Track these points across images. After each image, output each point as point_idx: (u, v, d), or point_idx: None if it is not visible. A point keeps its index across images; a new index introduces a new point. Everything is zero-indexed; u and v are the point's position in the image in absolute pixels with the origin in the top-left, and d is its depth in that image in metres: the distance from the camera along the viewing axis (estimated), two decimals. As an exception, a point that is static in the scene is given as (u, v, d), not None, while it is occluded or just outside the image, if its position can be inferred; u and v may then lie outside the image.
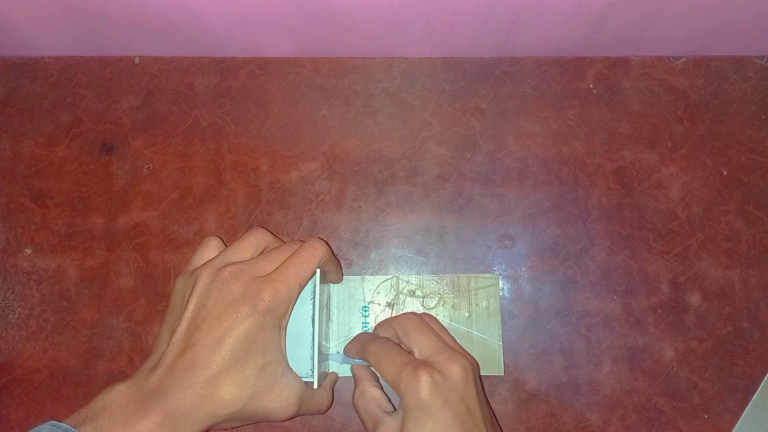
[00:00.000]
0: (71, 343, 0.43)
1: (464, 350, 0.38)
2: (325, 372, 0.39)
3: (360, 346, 0.38)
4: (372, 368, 0.39)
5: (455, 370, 0.34)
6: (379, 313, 0.43)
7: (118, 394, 0.31)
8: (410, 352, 0.36)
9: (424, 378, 0.33)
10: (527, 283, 0.44)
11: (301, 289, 0.36)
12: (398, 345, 0.37)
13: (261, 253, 0.37)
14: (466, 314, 0.43)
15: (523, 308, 0.43)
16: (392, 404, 0.37)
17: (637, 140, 0.46)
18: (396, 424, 0.34)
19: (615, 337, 0.43)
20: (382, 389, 0.38)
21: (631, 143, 0.46)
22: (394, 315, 0.43)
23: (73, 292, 0.44)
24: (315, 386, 0.36)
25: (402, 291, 0.43)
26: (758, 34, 0.44)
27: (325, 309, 0.39)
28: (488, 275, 0.44)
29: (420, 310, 0.43)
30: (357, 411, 0.37)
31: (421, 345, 0.36)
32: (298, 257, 0.36)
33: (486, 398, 0.38)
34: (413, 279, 0.44)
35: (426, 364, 0.34)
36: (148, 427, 0.30)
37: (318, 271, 0.37)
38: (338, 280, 0.43)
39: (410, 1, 0.40)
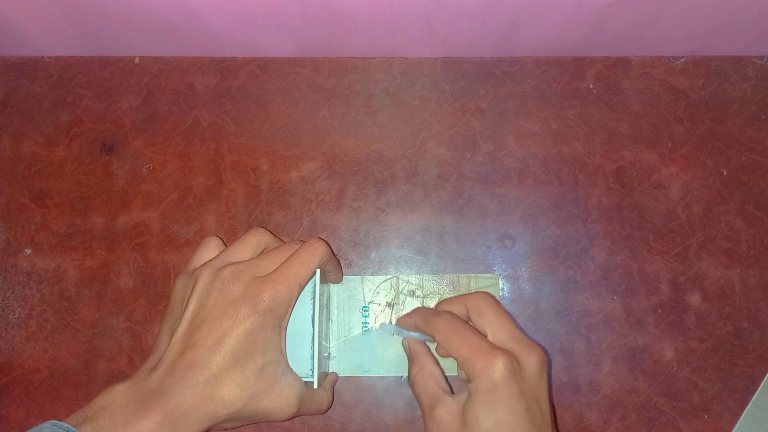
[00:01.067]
0: (71, 343, 0.43)
1: (539, 345, 0.36)
2: (325, 372, 0.39)
3: (422, 320, 0.37)
4: (428, 345, 0.37)
5: (533, 362, 0.33)
6: (379, 313, 0.43)
7: (119, 394, 0.31)
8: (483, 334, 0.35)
9: (503, 363, 0.32)
10: (527, 283, 0.44)
11: (302, 289, 0.36)
12: (467, 323, 0.36)
13: (261, 253, 0.37)
14: (466, 314, 0.43)
15: (523, 308, 0.43)
16: (449, 385, 0.36)
17: (637, 140, 0.46)
18: (457, 406, 0.33)
19: (615, 337, 0.43)
20: (441, 368, 0.37)
21: (631, 143, 0.46)
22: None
23: (73, 292, 0.44)
24: (315, 386, 0.36)
25: (402, 291, 0.43)
26: (758, 34, 0.44)
27: (325, 309, 0.40)
28: (488, 275, 0.44)
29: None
30: (413, 387, 0.36)
31: (497, 329, 0.35)
32: (298, 257, 0.36)
33: (551, 394, 0.37)
34: (413, 279, 0.44)
35: (504, 350, 0.33)
36: (149, 427, 0.30)
37: (318, 271, 0.37)
38: (338, 280, 0.43)
39: (410, 1, 0.40)
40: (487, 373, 0.32)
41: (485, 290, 0.41)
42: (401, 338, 0.39)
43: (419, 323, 0.37)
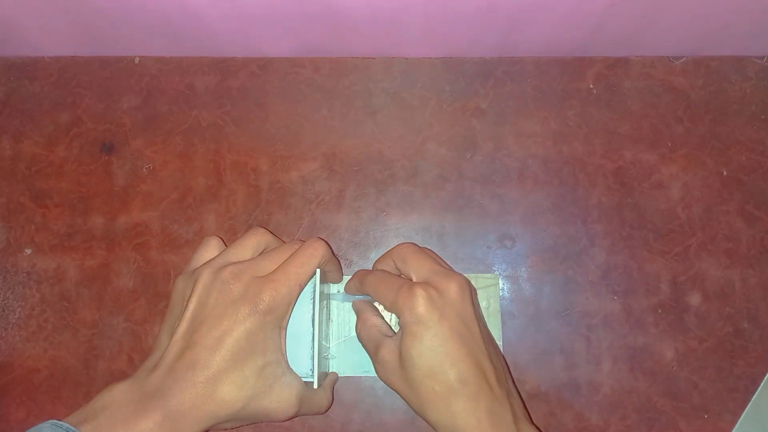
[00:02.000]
0: (71, 343, 0.43)
1: (461, 274, 0.38)
2: (325, 372, 0.39)
3: (357, 281, 0.39)
4: (374, 303, 0.40)
5: (451, 287, 0.35)
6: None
7: (119, 393, 0.31)
8: (409, 279, 0.37)
9: (420, 293, 0.34)
10: (527, 283, 0.44)
11: (302, 289, 0.36)
12: (393, 273, 0.38)
13: (261, 253, 0.37)
14: (466, 314, 0.43)
15: (523, 308, 0.43)
16: (394, 331, 0.38)
17: (637, 140, 0.46)
18: (395, 344, 0.35)
19: (615, 337, 0.43)
20: (383, 318, 0.39)
21: (631, 143, 0.46)
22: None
23: (73, 292, 0.44)
24: (315, 386, 0.36)
25: (402, 291, 0.43)
26: (758, 34, 0.44)
27: (325, 309, 0.40)
28: (488, 275, 0.44)
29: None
30: (360, 340, 0.39)
31: (418, 269, 0.37)
32: (298, 257, 0.36)
33: (484, 320, 0.39)
34: (413, 279, 0.44)
35: (422, 282, 0.35)
36: (148, 426, 0.30)
37: (318, 271, 0.37)
38: (338, 280, 0.43)
39: (410, 1, 0.40)
40: (409, 306, 0.34)
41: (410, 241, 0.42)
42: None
43: (357, 285, 0.40)
